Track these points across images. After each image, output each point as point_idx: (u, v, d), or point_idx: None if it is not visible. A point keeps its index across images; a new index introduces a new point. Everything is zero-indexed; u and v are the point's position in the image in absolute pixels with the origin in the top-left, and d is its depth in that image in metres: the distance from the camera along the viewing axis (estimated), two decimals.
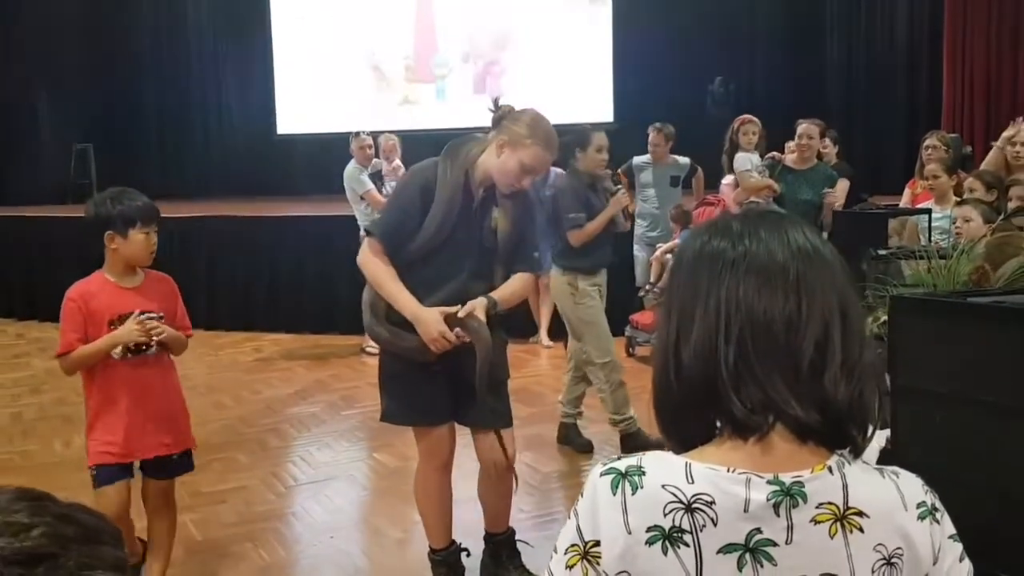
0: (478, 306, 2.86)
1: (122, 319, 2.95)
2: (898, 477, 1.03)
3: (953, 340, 2.04)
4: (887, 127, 9.55)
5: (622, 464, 1.02)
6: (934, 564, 1.01)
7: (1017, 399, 1.87)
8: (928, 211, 4.61)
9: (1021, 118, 5.12)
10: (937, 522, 1.02)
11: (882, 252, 3.49)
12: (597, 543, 1.00)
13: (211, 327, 8.27)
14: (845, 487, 0.98)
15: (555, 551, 1.04)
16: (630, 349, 6.78)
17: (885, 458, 2.13)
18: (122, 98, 12.02)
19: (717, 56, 10.28)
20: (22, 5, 11.21)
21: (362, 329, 7.45)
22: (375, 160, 7.20)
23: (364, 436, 5.25)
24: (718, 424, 1.02)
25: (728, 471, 0.97)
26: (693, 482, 0.97)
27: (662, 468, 1.00)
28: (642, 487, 0.99)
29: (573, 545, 1.02)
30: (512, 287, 3.00)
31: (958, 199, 4.99)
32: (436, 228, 2.90)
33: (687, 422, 1.05)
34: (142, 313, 2.98)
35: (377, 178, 7.08)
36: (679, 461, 1.00)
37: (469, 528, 3.34)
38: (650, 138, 6.81)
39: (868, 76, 9.76)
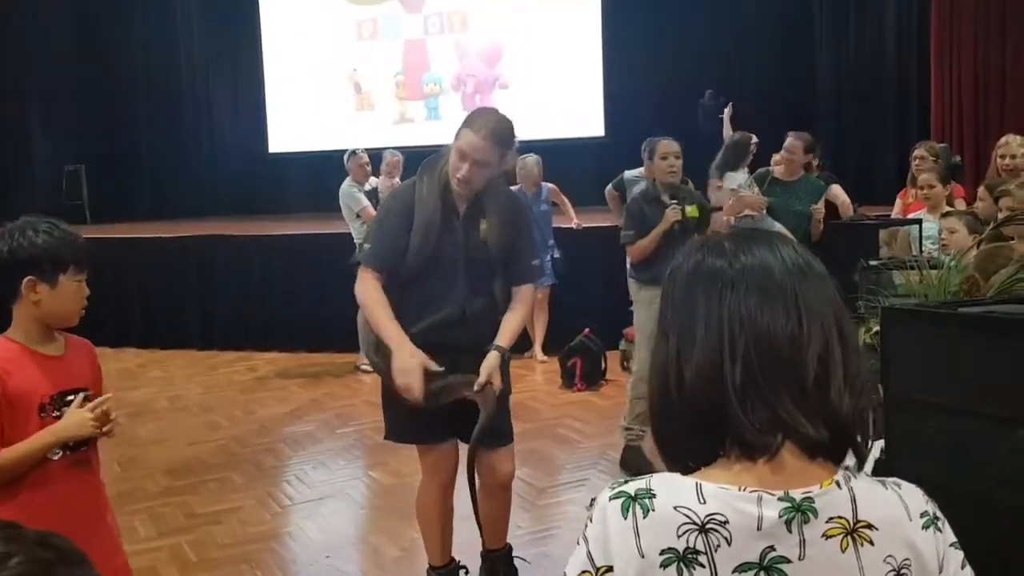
0: (494, 369, 2.86)
1: (55, 403, 2.16)
2: (900, 488, 1.04)
3: (945, 350, 2.05)
4: (877, 138, 9.59)
5: (631, 487, 1.01)
6: (939, 573, 1.02)
7: (1009, 408, 1.88)
8: (919, 221, 4.64)
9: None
10: (940, 530, 1.03)
11: (873, 262, 3.51)
12: (610, 568, 0.99)
13: (205, 347, 8.27)
14: (853, 500, 0.99)
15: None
16: (624, 363, 6.78)
17: (879, 468, 2.13)
18: (114, 119, 12.02)
19: (707, 69, 10.32)
20: (13, 26, 11.22)
21: (356, 347, 7.48)
22: (372, 179, 7.22)
23: (359, 454, 5.24)
24: (724, 443, 1.02)
25: (739, 490, 0.98)
26: (705, 502, 0.97)
27: (672, 490, 0.99)
28: (653, 509, 0.98)
29: (585, 572, 1.01)
30: (513, 321, 2.98)
31: (950, 209, 5.02)
32: (419, 245, 2.90)
33: (690, 443, 1.04)
34: (78, 392, 2.20)
35: (373, 195, 7.09)
36: (689, 482, 1.00)
37: (466, 545, 3.33)
38: (646, 152, 6.83)
39: (857, 87, 9.80)
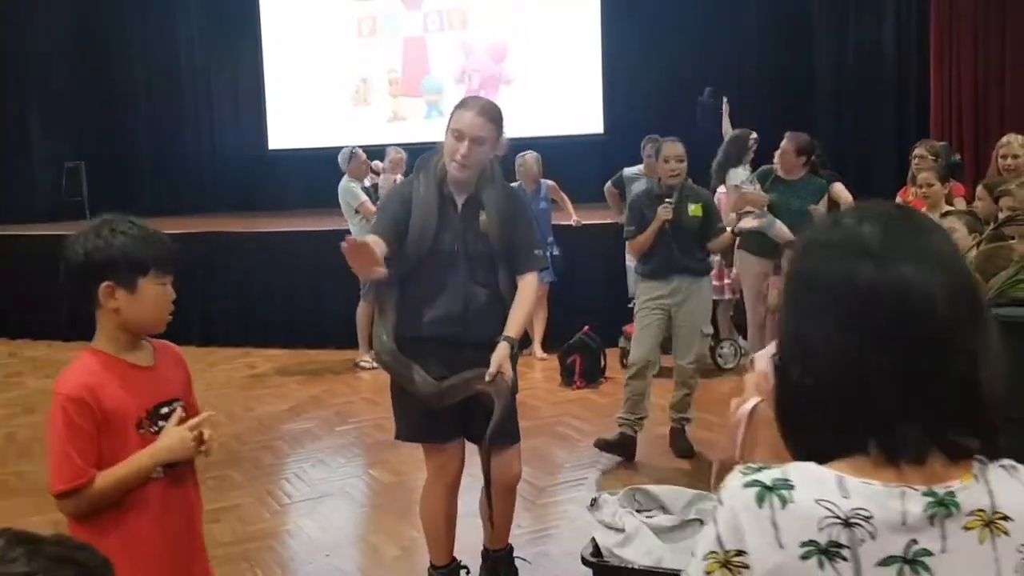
0: (504, 359, 2.86)
1: (151, 418, 2.01)
2: (1020, 473, 1.05)
3: None
4: (876, 136, 9.59)
5: (766, 476, 1.00)
6: None
7: (1011, 409, 1.88)
8: None
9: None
10: None
11: None
12: (739, 552, 0.99)
13: (204, 343, 8.26)
14: (990, 493, 1.00)
15: (693, 555, 1.04)
16: (624, 360, 6.78)
17: None
18: (113, 115, 12.02)
19: (706, 67, 10.31)
20: (14, 24, 11.21)
21: (355, 344, 7.46)
22: (372, 175, 7.23)
23: (359, 452, 5.24)
24: (864, 440, 1.01)
25: (883, 485, 0.98)
26: (848, 497, 0.97)
27: (812, 482, 0.99)
28: (792, 501, 0.98)
29: (712, 552, 1.01)
30: (520, 312, 2.98)
31: (950, 208, 5.03)
32: (418, 239, 2.91)
33: (822, 438, 1.03)
34: (172, 404, 2.06)
35: (372, 192, 7.10)
36: (829, 475, 0.99)
37: (465, 544, 3.33)
38: (646, 150, 6.84)
39: (857, 85, 9.80)
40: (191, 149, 12.51)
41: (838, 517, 0.97)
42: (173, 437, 1.98)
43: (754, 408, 1.19)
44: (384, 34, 11.45)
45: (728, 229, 6.14)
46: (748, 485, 1.01)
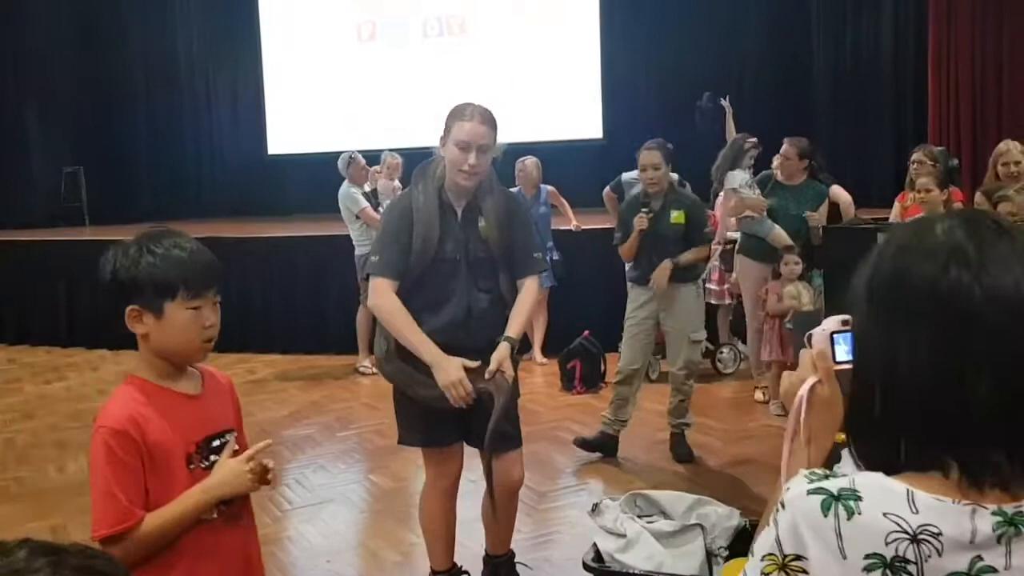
0: (505, 358, 2.88)
1: (201, 452, 1.82)
2: None
3: None
4: (874, 141, 9.61)
5: (832, 485, 0.99)
6: None
7: None
8: None
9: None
10: None
11: None
12: (798, 557, 0.99)
13: None
14: None
15: (751, 554, 1.04)
16: None
17: None
18: (112, 120, 12.03)
19: (705, 72, 10.34)
20: (12, 27, 11.22)
21: (355, 349, 7.45)
22: (370, 181, 7.24)
23: (359, 458, 5.24)
24: (940, 459, 0.98)
25: (954, 502, 0.96)
26: (918, 512, 0.96)
27: (880, 495, 0.98)
28: (859, 513, 0.97)
29: (771, 554, 1.01)
30: (523, 310, 2.99)
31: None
32: (421, 249, 2.91)
33: (896, 452, 1.00)
34: (223, 435, 1.88)
35: (372, 197, 7.11)
36: (899, 488, 0.97)
37: (466, 549, 3.33)
38: None
39: (855, 91, 9.82)
40: (190, 154, 12.53)
41: (906, 532, 0.96)
42: (227, 471, 1.81)
43: (811, 389, 1.17)
44: (383, 39, 11.46)
45: (714, 241, 6.17)
46: (813, 492, 0.99)
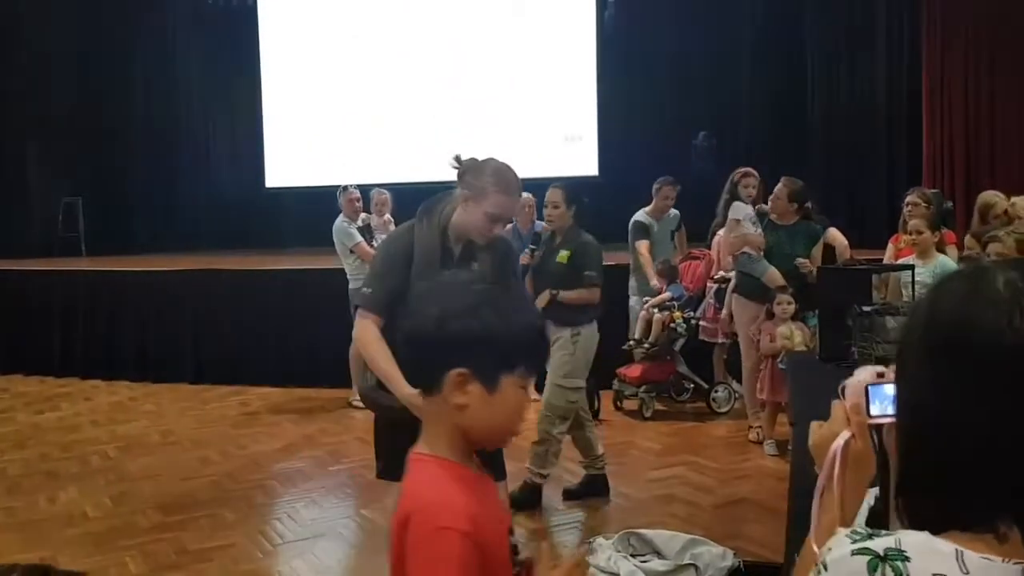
0: None
1: (512, 545, 1.51)
2: None
3: None
4: (868, 181, 9.68)
5: (877, 545, 0.96)
6: None
7: None
8: (911, 267, 4.69)
9: None
10: None
11: (867, 308, 3.55)
12: None
13: (197, 381, 8.25)
14: None
15: None
16: (617, 403, 6.79)
17: (873, 518, 2.14)
18: (111, 151, 12.07)
19: (700, 111, 10.45)
20: (15, 60, 11.30)
21: (348, 383, 7.43)
22: (364, 214, 7.26)
23: (351, 492, 5.22)
24: (988, 515, 0.96)
25: (1004, 561, 0.94)
26: (968, 572, 0.93)
27: (929, 555, 0.94)
28: (907, 574, 0.93)
29: None
30: None
31: (939, 254, 5.08)
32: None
33: (943, 507, 0.97)
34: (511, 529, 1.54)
35: (366, 231, 7.13)
36: (947, 548, 0.94)
37: None
38: (665, 191, 6.94)
39: (849, 131, 9.91)
40: (187, 186, 12.56)
41: None
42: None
43: (846, 444, 1.14)
44: (382, 75, 11.56)
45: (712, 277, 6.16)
46: (859, 553, 0.96)
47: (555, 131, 11.01)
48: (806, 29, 10.31)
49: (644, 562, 3.37)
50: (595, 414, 6.49)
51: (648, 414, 6.46)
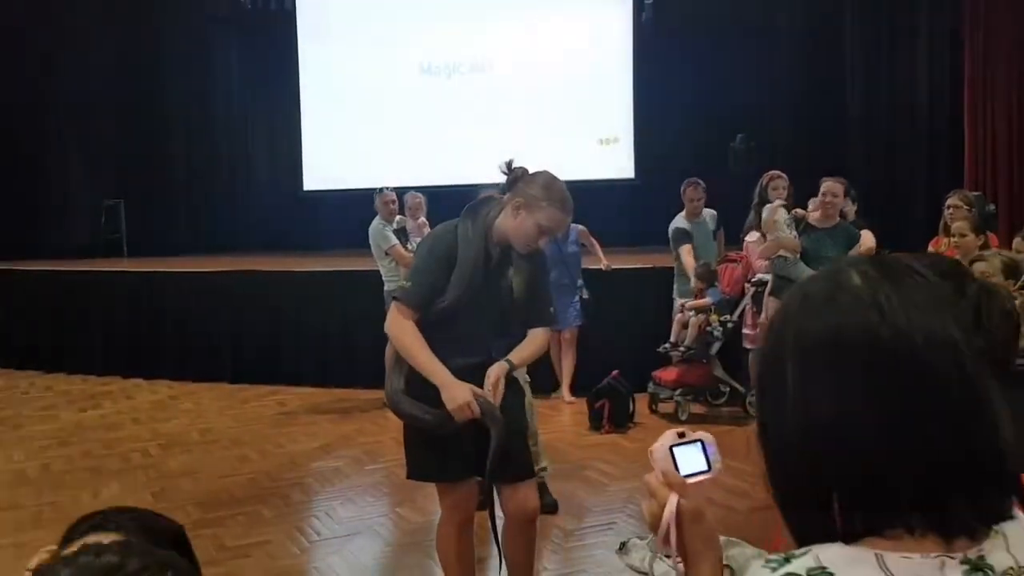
0: (499, 373, 2.90)
1: None
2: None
3: None
4: (908, 183, 9.57)
5: (799, 567, 0.92)
6: None
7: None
8: None
9: None
10: None
11: None
12: None
13: (235, 380, 8.35)
14: (1007, 548, 0.97)
15: None
16: (652, 406, 6.77)
17: None
18: (152, 155, 12.27)
19: (738, 114, 10.38)
20: (55, 62, 11.53)
21: (384, 382, 7.47)
22: (399, 217, 7.31)
23: (387, 491, 5.26)
24: (891, 518, 0.94)
25: (923, 557, 0.93)
26: (891, 575, 0.92)
27: (851, 565, 0.92)
28: None
29: None
30: (529, 349, 3.04)
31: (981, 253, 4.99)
32: (463, 288, 2.94)
33: (823, 519, 0.94)
34: None
35: (402, 234, 7.17)
36: (867, 555, 0.93)
37: None
38: (688, 193, 6.92)
39: (889, 132, 9.81)
40: (228, 189, 12.73)
41: None
42: None
43: (678, 507, 1.13)
44: (420, 77, 11.63)
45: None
46: None
47: (591, 133, 11.01)
48: (846, 29, 10.22)
49: (679, 562, 3.36)
50: (630, 417, 6.50)
51: (683, 417, 6.44)
